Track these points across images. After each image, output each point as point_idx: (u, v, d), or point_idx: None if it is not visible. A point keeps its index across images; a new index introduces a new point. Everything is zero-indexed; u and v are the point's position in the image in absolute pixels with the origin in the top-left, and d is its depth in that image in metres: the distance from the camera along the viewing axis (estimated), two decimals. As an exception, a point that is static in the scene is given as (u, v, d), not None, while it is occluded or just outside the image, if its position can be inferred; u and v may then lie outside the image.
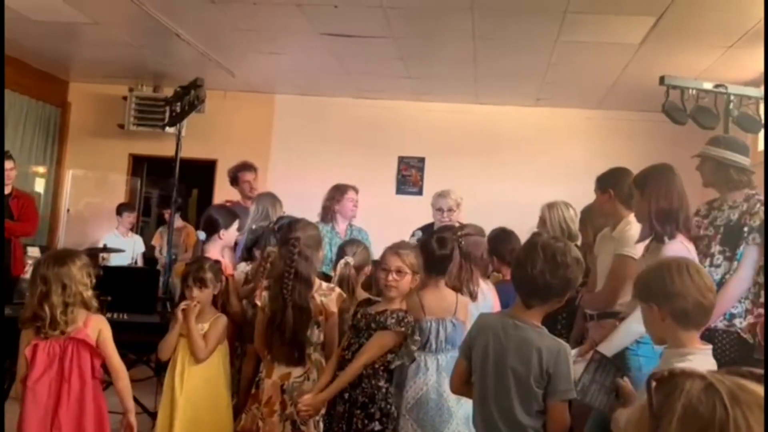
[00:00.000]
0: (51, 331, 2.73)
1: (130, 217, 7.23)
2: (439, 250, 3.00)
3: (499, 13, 4.93)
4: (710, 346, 2.00)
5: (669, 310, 1.94)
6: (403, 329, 2.69)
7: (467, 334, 2.36)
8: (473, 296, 3.19)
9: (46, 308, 2.71)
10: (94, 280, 2.88)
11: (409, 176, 7.82)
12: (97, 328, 2.84)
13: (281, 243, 2.96)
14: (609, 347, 2.77)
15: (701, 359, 1.90)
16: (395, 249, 2.81)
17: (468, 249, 3.23)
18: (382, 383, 2.73)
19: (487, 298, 3.29)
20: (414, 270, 2.78)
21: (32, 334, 2.79)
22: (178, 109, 5.24)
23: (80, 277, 2.78)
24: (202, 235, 3.69)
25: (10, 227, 5.74)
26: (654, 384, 0.87)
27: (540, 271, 2.09)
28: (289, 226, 2.98)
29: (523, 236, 3.89)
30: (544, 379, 2.08)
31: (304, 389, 2.84)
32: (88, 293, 2.81)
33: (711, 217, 3.26)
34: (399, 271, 2.75)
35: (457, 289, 3.18)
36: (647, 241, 2.89)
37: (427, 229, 4.62)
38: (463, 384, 2.31)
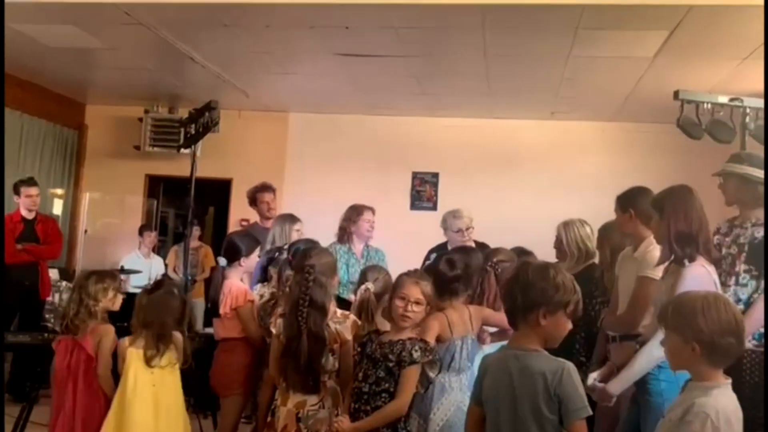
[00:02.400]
0: (65, 329, 3.35)
1: (151, 236, 7.30)
2: (450, 272, 2.99)
3: (511, 30, 4.93)
4: (730, 380, 1.99)
5: (709, 350, 1.92)
6: (430, 358, 2.68)
7: (477, 377, 2.28)
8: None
9: (67, 310, 3.36)
10: (117, 299, 3.44)
11: (423, 191, 7.82)
12: (99, 336, 3.33)
13: (296, 270, 2.95)
14: (629, 376, 2.74)
15: (723, 392, 1.93)
16: (415, 278, 2.79)
17: (503, 276, 3.28)
18: None
19: None
20: (429, 301, 2.77)
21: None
22: (192, 131, 5.30)
23: (93, 292, 3.35)
24: (222, 261, 3.71)
25: (38, 251, 5.87)
26: None
27: (515, 300, 2.14)
28: (304, 253, 2.98)
29: (539, 252, 3.90)
30: (554, 402, 2.04)
31: (320, 417, 2.82)
32: (97, 308, 3.36)
33: (734, 235, 3.20)
34: (417, 303, 2.73)
35: None
36: (667, 264, 2.85)
37: (440, 249, 4.60)
38: (476, 429, 2.23)
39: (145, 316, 3.27)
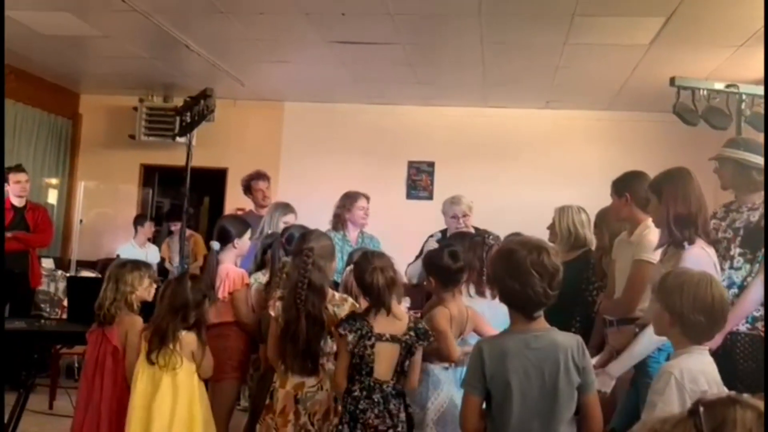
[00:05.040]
0: (102, 319, 3.22)
1: (150, 228, 7.27)
2: (455, 264, 2.98)
3: (506, 18, 4.93)
4: (705, 347, 2.11)
5: (679, 322, 2.05)
6: (347, 328, 2.71)
7: (475, 366, 2.16)
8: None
9: (104, 299, 3.22)
10: (151, 289, 3.33)
11: (419, 181, 7.82)
12: (125, 330, 3.21)
13: (295, 253, 2.96)
14: (629, 359, 2.76)
15: (692, 356, 2.05)
16: None
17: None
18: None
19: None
20: None
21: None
22: (188, 119, 5.27)
23: (130, 280, 3.26)
24: (216, 245, 3.70)
25: (28, 239, 5.84)
26: (703, 410, 0.85)
27: (542, 291, 2.06)
28: (303, 237, 2.98)
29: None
30: (579, 376, 2.08)
31: (318, 399, 2.84)
32: (134, 296, 3.26)
33: (729, 219, 3.21)
34: None
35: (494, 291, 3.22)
36: (665, 246, 2.86)
37: (443, 234, 4.61)
38: (478, 420, 2.17)
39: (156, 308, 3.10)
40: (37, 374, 4.39)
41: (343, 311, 2.89)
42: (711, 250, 2.80)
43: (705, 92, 4.39)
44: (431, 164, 7.77)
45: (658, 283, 2.16)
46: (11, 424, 4.02)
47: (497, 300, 3.20)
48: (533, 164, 7.45)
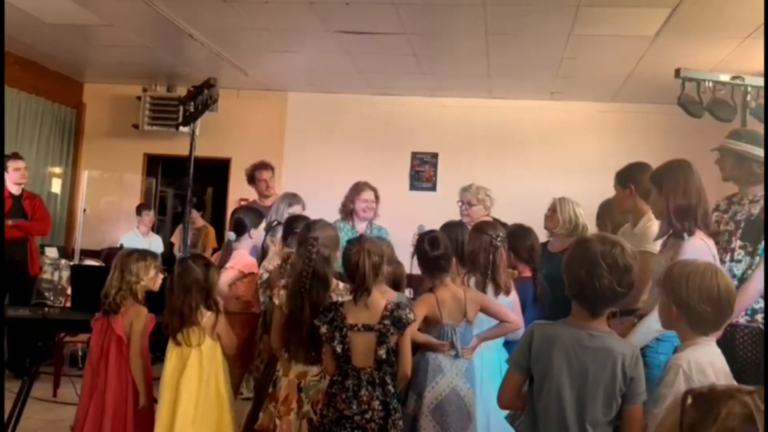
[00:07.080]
0: (108, 307, 3.23)
1: (149, 216, 7.30)
2: (433, 252, 2.99)
3: (511, 8, 4.91)
4: (713, 339, 2.10)
5: (685, 313, 2.04)
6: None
7: (523, 346, 2.17)
8: (508, 290, 3.29)
9: (109, 288, 3.24)
10: (157, 279, 3.34)
11: (423, 172, 7.81)
12: (130, 320, 3.23)
13: (299, 243, 2.96)
14: None
15: (700, 347, 2.04)
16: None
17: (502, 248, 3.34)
18: None
19: (511, 294, 3.34)
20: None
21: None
22: (191, 109, 5.26)
23: (135, 270, 3.26)
24: (232, 236, 3.75)
25: (28, 227, 5.86)
26: (690, 400, 0.82)
27: (608, 284, 2.02)
28: (308, 227, 2.99)
29: (539, 231, 3.91)
30: (626, 385, 2.06)
31: (321, 387, 2.85)
32: (138, 286, 3.26)
33: (731, 212, 3.22)
34: None
35: (499, 285, 3.24)
36: (665, 237, 2.87)
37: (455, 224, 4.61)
38: (515, 398, 2.20)
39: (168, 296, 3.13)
40: (41, 362, 4.40)
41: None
42: (710, 242, 2.81)
43: (710, 84, 4.36)
44: (435, 155, 7.76)
45: (664, 275, 2.15)
46: (15, 411, 4.05)
47: (501, 296, 3.26)
48: (537, 155, 7.44)
